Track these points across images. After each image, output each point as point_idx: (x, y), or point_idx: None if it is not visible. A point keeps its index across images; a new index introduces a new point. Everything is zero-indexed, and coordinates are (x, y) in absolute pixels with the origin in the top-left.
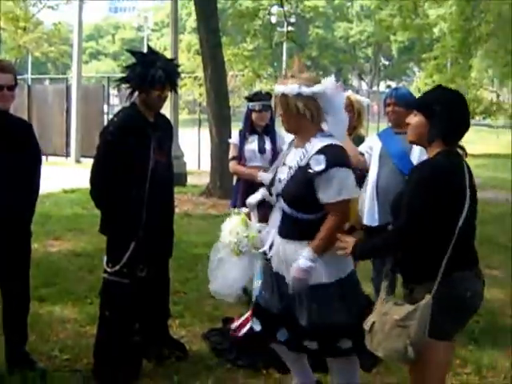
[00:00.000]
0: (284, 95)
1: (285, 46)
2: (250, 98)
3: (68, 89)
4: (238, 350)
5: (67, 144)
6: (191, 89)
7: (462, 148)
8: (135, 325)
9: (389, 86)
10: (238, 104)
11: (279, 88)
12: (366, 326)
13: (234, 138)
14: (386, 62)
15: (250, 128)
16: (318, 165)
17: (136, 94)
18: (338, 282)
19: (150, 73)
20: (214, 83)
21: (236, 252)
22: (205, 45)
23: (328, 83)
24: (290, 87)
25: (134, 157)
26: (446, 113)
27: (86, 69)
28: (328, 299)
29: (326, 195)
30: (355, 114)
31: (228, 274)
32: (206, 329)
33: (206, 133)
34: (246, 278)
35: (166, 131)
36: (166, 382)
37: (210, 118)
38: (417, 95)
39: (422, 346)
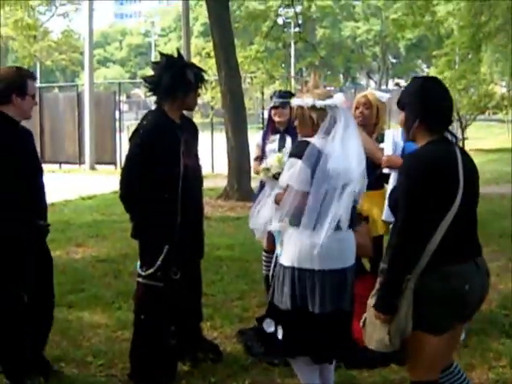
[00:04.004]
0: (300, 107)
1: (293, 46)
2: (271, 96)
3: (79, 96)
4: None
5: (80, 151)
6: (203, 92)
7: (453, 134)
8: (171, 328)
9: (397, 84)
10: (249, 106)
11: (296, 101)
12: (361, 322)
13: (258, 138)
14: (394, 60)
15: (271, 127)
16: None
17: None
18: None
19: (188, 75)
20: (228, 86)
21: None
22: (218, 47)
23: (338, 97)
24: (306, 100)
25: (165, 159)
26: (414, 100)
27: (94, 76)
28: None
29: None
30: (374, 111)
31: (261, 211)
32: (237, 330)
33: (218, 136)
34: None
35: (192, 134)
36: (202, 383)
37: (227, 120)
38: None
39: (407, 335)
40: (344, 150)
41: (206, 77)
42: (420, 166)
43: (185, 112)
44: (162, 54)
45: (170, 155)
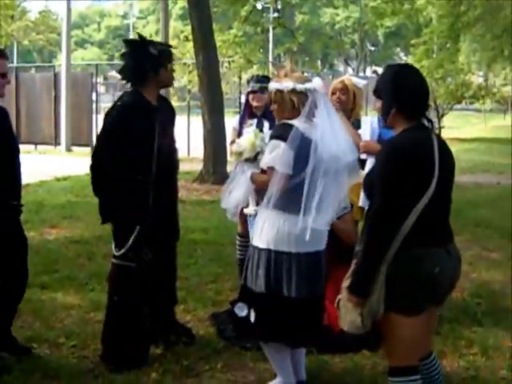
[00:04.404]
0: (279, 91)
1: (271, 32)
2: (248, 81)
3: (56, 77)
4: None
5: (56, 132)
6: (180, 75)
7: (430, 120)
8: (144, 310)
9: (375, 72)
10: (226, 90)
11: (274, 85)
12: (336, 304)
13: (235, 122)
14: (372, 48)
15: (249, 111)
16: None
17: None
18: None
19: (152, 50)
20: (206, 70)
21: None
22: (197, 31)
23: (317, 82)
24: (285, 84)
25: (138, 140)
26: (390, 88)
27: (72, 57)
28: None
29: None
30: (350, 96)
31: (233, 191)
32: (210, 313)
33: (194, 120)
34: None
35: (168, 114)
36: (174, 366)
37: (203, 104)
38: None
39: (378, 317)
40: (333, 135)
41: (173, 51)
42: (396, 153)
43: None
44: (124, 41)
45: (144, 136)
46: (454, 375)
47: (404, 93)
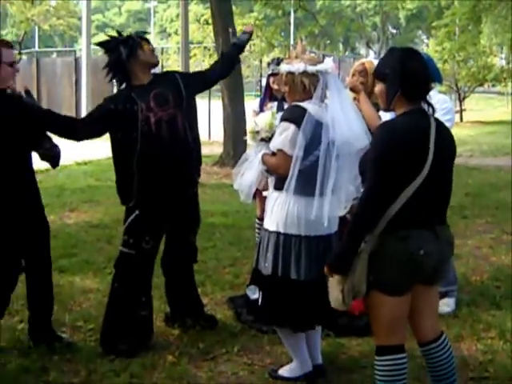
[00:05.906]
0: (290, 73)
1: (292, 15)
2: (269, 64)
3: (77, 61)
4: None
5: (77, 116)
6: (201, 59)
7: (430, 104)
8: (142, 298)
9: None
10: (247, 74)
11: (285, 67)
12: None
13: (255, 105)
14: (394, 31)
15: (269, 94)
16: None
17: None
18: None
19: (127, 37)
20: None
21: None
22: (216, 14)
23: (329, 63)
24: (296, 66)
25: (120, 122)
26: (395, 71)
27: (93, 41)
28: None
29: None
30: (370, 79)
31: (246, 173)
32: (227, 297)
33: (215, 103)
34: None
35: (166, 84)
36: (191, 349)
37: (223, 87)
38: None
39: (360, 296)
40: (345, 118)
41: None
42: (387, 136)
43: None
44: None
45: (124, 118)
46: (471, 359)
47: (409, 77)
